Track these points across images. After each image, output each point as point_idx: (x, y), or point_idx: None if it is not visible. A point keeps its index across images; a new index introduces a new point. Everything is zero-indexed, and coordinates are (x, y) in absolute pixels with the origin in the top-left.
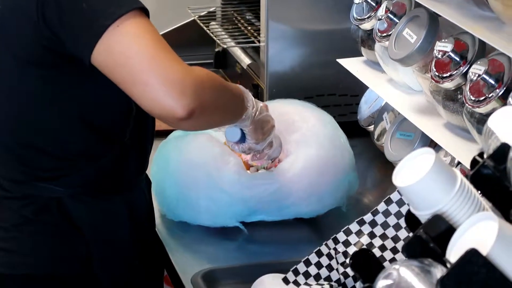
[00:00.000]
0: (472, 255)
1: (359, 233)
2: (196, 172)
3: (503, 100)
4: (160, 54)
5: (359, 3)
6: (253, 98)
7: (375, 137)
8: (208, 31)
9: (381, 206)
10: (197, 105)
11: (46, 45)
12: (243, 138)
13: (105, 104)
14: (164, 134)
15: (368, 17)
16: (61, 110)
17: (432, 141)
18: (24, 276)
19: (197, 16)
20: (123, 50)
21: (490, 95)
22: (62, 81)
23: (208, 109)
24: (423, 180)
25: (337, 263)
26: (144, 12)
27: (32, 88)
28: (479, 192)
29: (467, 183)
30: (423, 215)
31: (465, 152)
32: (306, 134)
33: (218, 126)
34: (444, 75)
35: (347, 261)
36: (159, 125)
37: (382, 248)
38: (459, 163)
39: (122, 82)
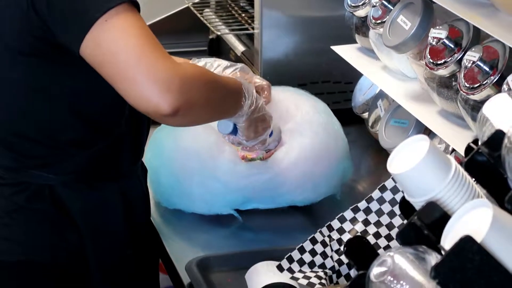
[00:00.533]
0: (466, 242)
1: (353, 221)
2: (191, 160)
3: (497, 87)
4: (147, 51)
5: None
6: (255, 94)
7: (370, 124)
8: (202, 18)
9: (376, 193)
10: (183, 102)
11: (37, 35)
12: (234, 131)
13: (96, 94)
14: None
15: (362, 4)
16: (52, 99)
17: (426, 128)
18: (16, 262)
19: (191, 3)
20: (111, 45)
21: (484, 82)
22: (53, 70)
23: (196, 106)
24: (418, 167)
25: (332, 250)
26: (134, 5)
27: (23, 77)
28: (474, 179)
29: (461, 170)
30: (418, 202)
31: (459, 139)
32: (300, 123)
33: (209, 122)
34: (439, 62)
35: (342, 248)
36: None
37: (377, 235)
38: (453, 150)
39: (108, 77)
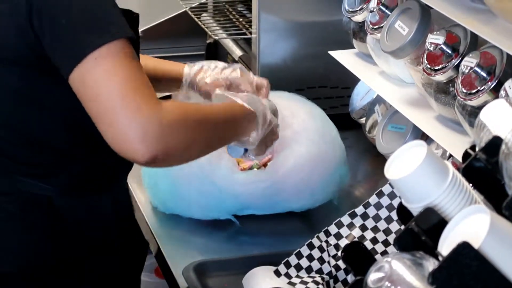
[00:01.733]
0: (464, 248)
1: (350, 226)
2: (189, 166)
3: (495, 93)
4: (130, 95)
5: None
6: (267, 115)
7: (367, 129)
8: (199, 22)
9: (373, 199)
10: (159, 151)
11: (33, 49)
12: (245, 152)
13: None
14: None
15: (360, 9)
16: (47, 110)
17: (423, 133)
18: (7, 273)
19: (188, 8)
20: (95, 86)
21: (482, 88)
22: (47, 82)
23: (176, 152)
24: (415, 173)
25: (329, 255)
26: (130, 39)
27: (18, 88)
28: (471, 185)
29: (459, 176)
30: (415, 208)
31: (456, 145)
32: (296, 130)
33: (202, 156)
34: (436, 68)
35: (339, 253)
36: None
37: (374, 240)
38: (450, 155)
39: (90, 114)
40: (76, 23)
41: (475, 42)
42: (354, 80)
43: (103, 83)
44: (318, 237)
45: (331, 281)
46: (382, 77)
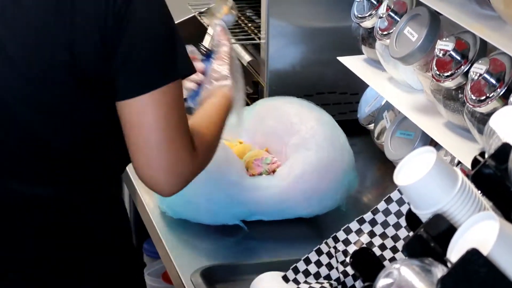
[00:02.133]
0: (472, 255)
1: (359, 232)
2: None
3: (504, 99)
4: (171, 139)
5: (360, 1)
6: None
7: (375, 135)
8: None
9: (381, 205)
10: (183, 186)
11: (105, 59)
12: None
13: None
14: None
15: (369, 15)
16: (68, 120)
17: (432, 140)
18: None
19: (197, 12)
20: (153, 120)
21: (491, 95)
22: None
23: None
24: (424, 179)
25: (337, 261)
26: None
27: (54, 102)
28: (480, 191)
29: (468, 182)
30: (424, 214)
31: (465, 151)
32: (305, 137)
33: None
34: (445, 74)
35: (347, 259)
36: None
37: (382, 247)
38: (459, 162)
39: (127, 140)
40: (156, 55)
41: (484, 49)
42: (363, 86)
43: (151, 120)
44: (326, 243)
45: (339, 287)
46: (391, 83)
